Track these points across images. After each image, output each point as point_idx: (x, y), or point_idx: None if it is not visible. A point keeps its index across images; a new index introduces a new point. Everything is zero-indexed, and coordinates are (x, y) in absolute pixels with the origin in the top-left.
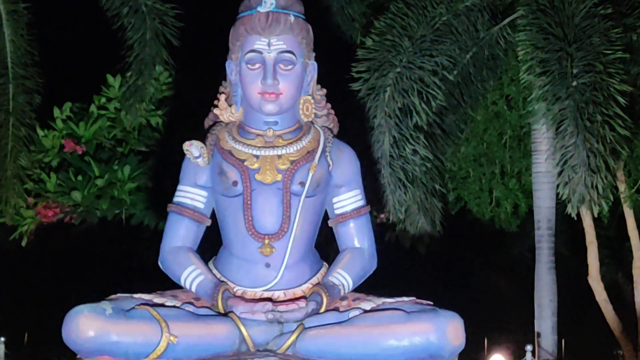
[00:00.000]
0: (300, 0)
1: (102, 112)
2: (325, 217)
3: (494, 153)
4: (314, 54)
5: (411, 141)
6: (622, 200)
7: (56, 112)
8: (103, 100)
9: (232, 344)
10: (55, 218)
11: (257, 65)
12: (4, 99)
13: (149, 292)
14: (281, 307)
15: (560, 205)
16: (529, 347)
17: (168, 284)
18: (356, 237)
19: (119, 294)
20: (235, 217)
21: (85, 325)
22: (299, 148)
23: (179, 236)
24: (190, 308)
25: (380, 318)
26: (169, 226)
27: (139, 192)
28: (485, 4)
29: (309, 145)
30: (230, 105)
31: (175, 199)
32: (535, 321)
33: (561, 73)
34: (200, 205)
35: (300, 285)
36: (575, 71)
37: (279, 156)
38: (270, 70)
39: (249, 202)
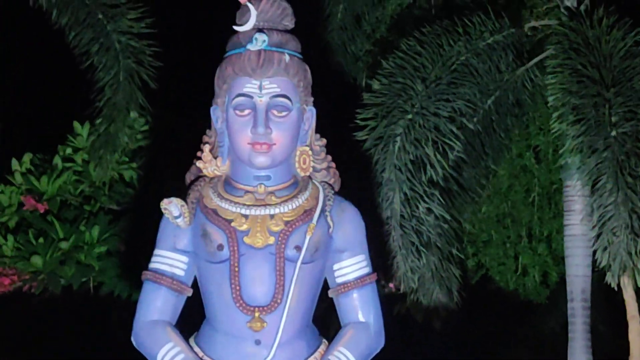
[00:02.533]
0: (296, 36)
1: (68, 164)
2: (325, 287)
3: (520, 213)
4: (312, 99)
5: (425, 199)
6: None
7: (14, 164)
8: (69, 150)
9: None
10: (12, 287)
11: (247, 112)
12: None
13: None
14: None
15: (598, 274)
16: None
17: None
18: (360, 310)
19: None
20: (221, 287)
21: None
22: (294, 207)
23: (156, 308)
24: None
25: None
26: (144, 297)
27: (109, 257)
28: (509, 42)
29: (306, 203)
30: (215, 158)
31: (152, 266)
32: None
33: (598, 121)
34: (180, 273)
35: None
36: (614, 119)
37: (272, 216)
38: (262, 117)
39: (236, 269)
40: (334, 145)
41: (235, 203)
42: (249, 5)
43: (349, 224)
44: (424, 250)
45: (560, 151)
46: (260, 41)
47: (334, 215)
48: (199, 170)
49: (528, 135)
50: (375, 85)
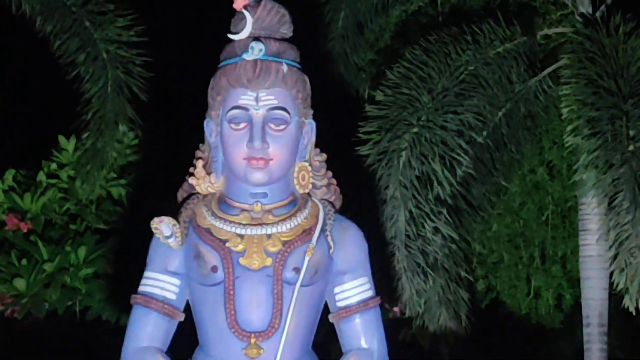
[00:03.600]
0: (295, 45)
1: (53, 181)
2: (325, 311)
3: (533, 232)
4: (311, 111)
5: (432, 217)
6: None
7: None
8: (53, 166)
9: None
10: None
11: (243, 125)
12: None
13: None
14: None
15: (615, 297)
16: None
17: None
18: (363, 336)
19: None
20: (215, 311)
21: None
22: (292, 226)
23: (146, 334)
24: None
25: None
26: (134, 322)
27: (96, 280)
28: (521, 51)
29: (305, 222)
30: (209, 174)
31: (141, 289)
32: None
33: (614, 135)
34: (172, 296)
35: None
36: (631, 132)
37: (269, 236)
38: (259, 130)
39: (231, 293)
40: (335, 161)
41: (230, 222)
42: (245, 12)
43: (350, 245)
44: (430, 272)
45: (575, 166)
46: (256, 50)
47: (335, 235)
48: (192, 187)
49: (541, 149)
50: (379, 96)
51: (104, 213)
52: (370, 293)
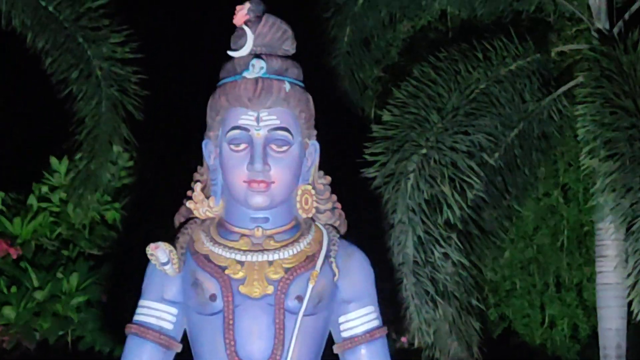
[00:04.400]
0: (298, 63)
1: (44, 204)
2: (330, 341)
3: (547, 259)
4: (315, 132)
5: (441, 243)
6: None
7: None
8: (45, 189)
9: None
10: None
11: (243, 146)
12: None
13: None
14: None
15: (634, 326)
16: None
17: None
18: None
19: None
20: (214, 341)
21: None
22: (295, 252)
23: None
24: None
25: None
26: (128, 352)
27: (89, 308)
28: (534, 68)
29: (308, 248)
30: (207, 197)
31: (137, 318)
32: None
33: (633, 157)
34: (168, 326)
35: None
36: None
37: (270, 262)
38: (260, 152)
39: (231, 322)
40: (340, 184)
41: (230, 248)
42: (245, 28)
43: (356, 272)
44: (440, 300)
45: (592, 190)
46: (257, 68)
47: (340, 261)
48: (190, 211)
49: (556, 172)
50: (386, 116)
51: (97, 238)
52: (376, 323)
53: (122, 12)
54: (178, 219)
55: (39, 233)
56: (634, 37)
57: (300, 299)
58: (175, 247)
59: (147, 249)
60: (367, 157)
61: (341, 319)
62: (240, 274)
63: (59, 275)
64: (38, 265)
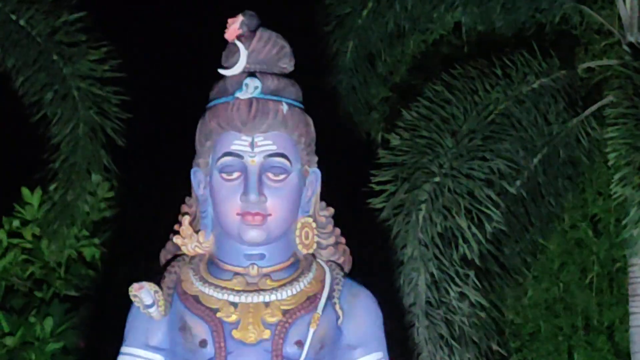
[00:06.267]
0: (296, 81)
1: (15, 240)
2: None
3: (575, 298)
4: (316, 158)
5: (457, 281)
6: None
7: None
8: (16, 223)
9: None
10: None
11: (236, 175)
12: None
13: None
14: None
15: None
16: None
17: None
18: None
19: None
20: None
21: None
22: (294, 292)
23: None
24: None
25: None
26: None
27: (65, 356)
28: (559, 87)
29: (309, 288)
30: (197, 232)
31: None
32: None
33: None
34: None
35: None
36: None
37: (267, 304)
38: (254, 181)
39: None
40: (344, 216)
41: (222, 288)
42: (238, 43)
43: (362, 314)
44: (456, 345)
45: (624, 222)
46: (251, 87)
47: (344, 302)
48: (177, 247)
49: (584, 201)
50: (394, 140)
51: (74, 278)
52: None
53: (102, 26)
54: (164, 255)
55: (9, 272)
56: None
57: (300, 344)
58: (161, 287)
59: (129, 289)
60: (373, 186)
61: None
62: (233, 317)
63: (32, 319)
64: (8, 308)
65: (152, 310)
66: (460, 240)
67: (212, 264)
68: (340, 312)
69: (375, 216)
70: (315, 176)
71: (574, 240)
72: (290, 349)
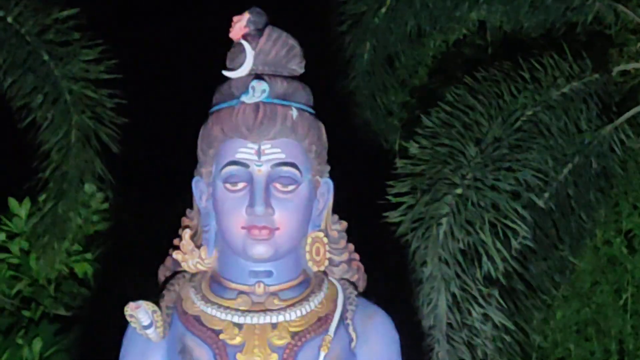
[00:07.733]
0: (307, 85)
1: (1, 255)
2: None
3: (608, 320)
4: (328, 168)
5: (480, 301)
6: None
7: None
8: (2, 237)
9: None
10: None
11: (241, 185)
12: None
13: None
14: None
15: None
16: None
17: None
18: None
19: None
20: None
21: None
22: (304, 313)
23: None
24: None
25: None
26: None
27: None
28: (592, 91)
29: (320, 308)
30: (198, 247)
31: None
32: None
33: None
34: None
35: None
36: None
37: (274, 325)
38: (261, 192)
39: None
40: (358, 231)
41: (225, 308)
42: (244, 43)
43: (377, 336)
44: None
45: None
46: (258, 91)
47: (358, 324)
48: (177, 263)
49: (617, 216)
50: (413, 149)
51: (65, 296)
52: None
53: (96, 24)
54: (163, 272)
55: None
56: None
57: None
58: (159, 306)
59: (125, 309)
60: (390, 198)
61: None
62: (237, 340)
63: (19, 340)
64: None
65: (149, 331)
66: (484, 257)
67: (214, 282)
68: (353, 335)
69: (392, 231)
70: (327, 187)
71: (607, 258)
72: None
